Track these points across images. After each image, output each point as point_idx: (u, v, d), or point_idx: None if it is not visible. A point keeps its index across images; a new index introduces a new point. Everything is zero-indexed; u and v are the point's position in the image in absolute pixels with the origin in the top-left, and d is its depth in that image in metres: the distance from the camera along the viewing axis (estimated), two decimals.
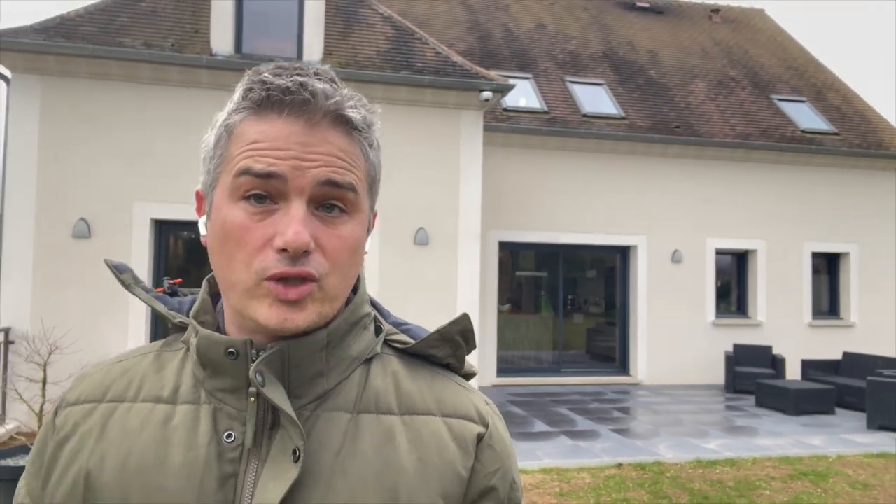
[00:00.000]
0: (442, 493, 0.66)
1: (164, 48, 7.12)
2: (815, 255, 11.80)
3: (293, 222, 0.62)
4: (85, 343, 6.31)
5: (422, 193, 7.73)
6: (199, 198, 0.71)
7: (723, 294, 11.60)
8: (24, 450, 4.37)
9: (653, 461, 6.05)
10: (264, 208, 0.63)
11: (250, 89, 0.65)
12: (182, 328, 0.75)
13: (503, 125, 10.27)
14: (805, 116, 12.42)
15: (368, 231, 0.72)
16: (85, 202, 6.89)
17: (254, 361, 0.65)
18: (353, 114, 0.66)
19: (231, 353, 0.66)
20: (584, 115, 11.05)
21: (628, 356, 11.03)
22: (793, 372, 10.46)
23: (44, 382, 5.78)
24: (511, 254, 11.07)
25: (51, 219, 6.80)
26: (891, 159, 11.92)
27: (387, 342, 0.76)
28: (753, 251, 11.47)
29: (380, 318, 0.78)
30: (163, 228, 7.33)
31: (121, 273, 0.77)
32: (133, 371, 0.73)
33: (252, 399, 0.65)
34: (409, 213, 7.65)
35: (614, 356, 11.22)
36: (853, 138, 12.16)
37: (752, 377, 9.73)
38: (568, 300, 11.30)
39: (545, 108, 10.98)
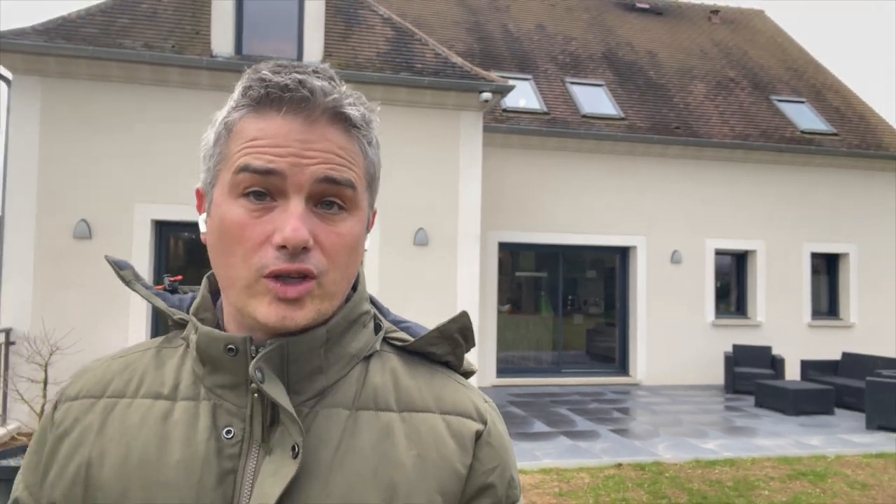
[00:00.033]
0: (440, 490, 0.66)
1: (165, 49, 7.13)
2: (815, 256, 11.81)
3: (291, 219, 0.62)
4: (86, 344, 6.32)
5: (421, 194, 7.73)
6: (200, 195, 0.72)
7: (722, 294, 11.60)
8: (26, 450, 4.37)
9: (652, 461, 6.05)
10: (263, 205, 0.64)
11: (249, 87, 0.65)
12: (182, 325, 0.75)
13: (503, 126, 10.28)
14: (804, 117, 12.43)
15: (368, 228, 0.73)
16: (85, 203, 6.89)
17: (253, 358, 0.65)
18: (352, 111, 0.66)
19: (231, 349, 0.66)
20: (584, 116, 11.06)
21: (628, 356, 11.03)
22: (792, 372, 10.46)
23: (45, 383, 5.79)
24: (511, 254, 11.07)
25: (51, 220, 6.81)
26: (890, 160, 11.93)
27: (386, 340, 0.76)
28: (753, 252, 11.48)
29: (379, 315, 0.79)
30: (163, 229, 7.34)
31: (121, 269, 0.77)
32: (133, 367, 0.73)
33: (252, 395, 0.66)
34: (409, 214, 7.66)
35: (614, 356, 11.22)
36: (852, 139, 12.17)
37: (752, 377, 9.73)
38: (567, 300, 11.30)
39: (545, 109, 10.99)
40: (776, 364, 10.09)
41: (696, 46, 14.07)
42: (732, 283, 11.81)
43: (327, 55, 7.69)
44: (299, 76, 0.63)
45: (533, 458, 6.00)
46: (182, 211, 6.96)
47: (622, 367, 11.08)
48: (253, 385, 0.65)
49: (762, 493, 5.25)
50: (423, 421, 0.69)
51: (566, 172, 10.65)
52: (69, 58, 6.84)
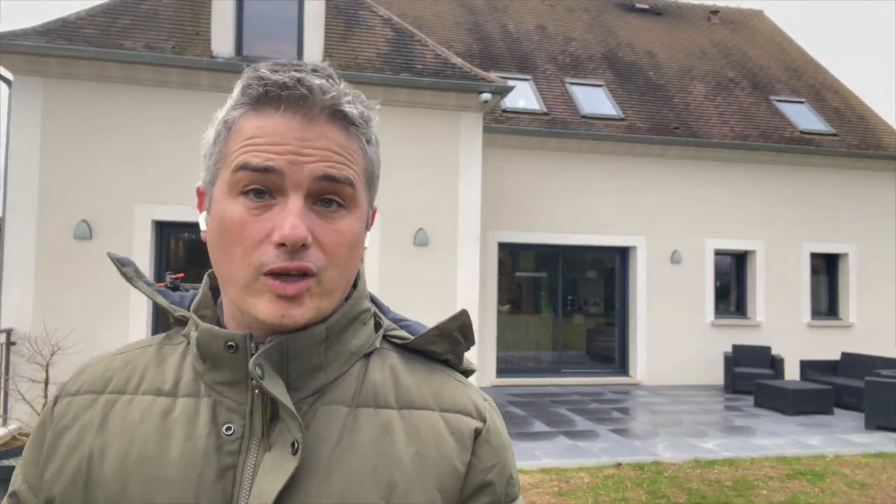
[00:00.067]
0: (438, 487, 0.66)
1: (165, 50, 7.14)
2: (814, 256, 11.81)
3: (290, 216, 0.62)
4: (87, 344, 6.32)
5: (421, 194, 7.74)
6: (200, 194, 0.72)
7: (722, 294, 11.60)
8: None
9: (651, 461, 6.06)
10: (263, 203, 0.64)
11: (248, 85, 0.65)
12: (183, 322, 0.76)
13: (502, 126, 10.28)
14: (804, 117, 12.43)
15: (368, 227, 0.73)
16: (86, 204, 6.90)
17: (253, 355, 0.65)
18: (351, 109, 0.66)
19: (231, 346, 0.66)
20: (584, 117, 11.06)
21: (627, 356, 11.04)
22: (791, 372, 10.46)
23: (46, 383, 5.80)
24: (511, 254, 11.08)
25: (52, 220, 6.81)
26: (889, 160, 11.93)
27: (386, 338, 0.76)
28: (752, 252, 11.48)
29: (379, 314, 0.79)
30: (164, 230, 7.34)
31: (123, 266, 0.78)
32: (134, 363, 0.73)
33: (252, 392, 0.66)
34: (409, 214, 7.67)
35: (613, 356, 11.23)
36: (852, 139, 12.17)
37: (751, 377, 9.74)
38: (567, 301, 11.30)
39: (544, 110, 10.99)
40: (776, 364, 10.09)
41: (695, 47, 14.08)
42: (732, 283, 11.81)
43: (327, 56, 7.70)
44: (298, 74, 0.64)
45: (532, 458, 6.01)
46: (182, 211, 6.97)
47: (622, 368, 11.08)
48: (253, 382, 0.65)
49: (761, 492, 5.26)
50: (423, 418, 0.69)
51: (566, 173, 10.66)
52: (70, 59, 6.85)
